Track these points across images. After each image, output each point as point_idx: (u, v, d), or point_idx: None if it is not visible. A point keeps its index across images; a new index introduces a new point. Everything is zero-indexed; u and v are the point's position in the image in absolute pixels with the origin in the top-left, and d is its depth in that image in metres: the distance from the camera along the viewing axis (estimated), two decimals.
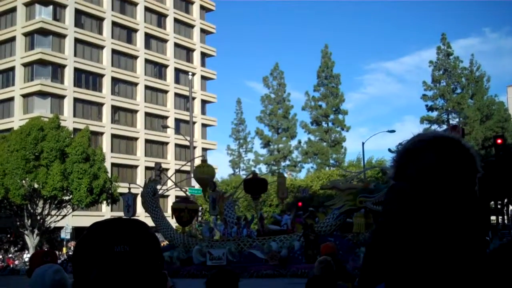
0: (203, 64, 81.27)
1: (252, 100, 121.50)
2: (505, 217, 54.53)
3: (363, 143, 51.80)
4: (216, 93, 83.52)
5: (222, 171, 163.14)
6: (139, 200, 37.51)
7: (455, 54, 61.61)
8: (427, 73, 62.10)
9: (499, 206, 52.45)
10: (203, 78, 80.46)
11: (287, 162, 68.30)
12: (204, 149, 77.63)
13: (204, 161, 38.72)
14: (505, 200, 51.91)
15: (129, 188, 38.54)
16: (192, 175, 38.39)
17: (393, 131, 50.40)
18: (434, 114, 60.96)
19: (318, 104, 68.15)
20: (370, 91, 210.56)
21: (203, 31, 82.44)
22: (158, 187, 34.75)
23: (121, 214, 62.15)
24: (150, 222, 33.97)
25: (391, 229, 1.35)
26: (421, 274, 1.27)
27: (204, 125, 78.34)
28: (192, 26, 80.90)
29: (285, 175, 64.91)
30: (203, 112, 78.89)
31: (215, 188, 34.96)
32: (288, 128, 69.99)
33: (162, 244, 33.33)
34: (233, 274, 4.34)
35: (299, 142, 70.36)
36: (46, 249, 5.83)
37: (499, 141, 39.77)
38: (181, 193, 57.22)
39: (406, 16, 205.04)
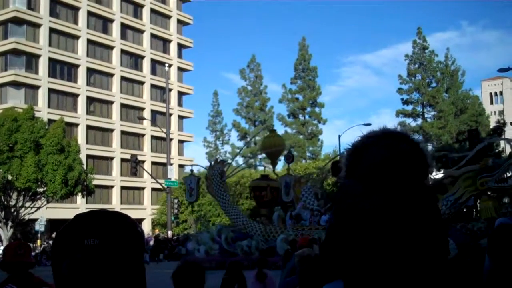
0: (179, 55, 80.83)
1: (230, 91, 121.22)
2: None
3: (339, 136, 52.12)
4: (193, 84, 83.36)
5: (199, 163, 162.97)
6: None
7: (431, 48, 62.23)
8: (404, 66, 62.50)
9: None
10: (180, 69, 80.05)
11: (264, 155, 68.42)
12: (181, 141, 77.42)
13: (272, 130, 36.30)
14: None
15: (192, 170, 36.94)
16: (261, 148, 34.67)
17: (369, 124, 50.56)
18: (410, 107, 61.51)
19: (295, 96, 68.33)
20: (347, 83, 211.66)
21: (180, 22, 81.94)
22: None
23: (96, 206, 61.85)
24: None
25: (342, 229, 1.31)
26: (377, 272, 1.25)
27: (180, 117, 77.99)
28: (168, 17, 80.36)
29: (261, 167, 65.08)
30: (180, 103, 78.53)
31: (293, 160, 32.42)
32: (265, 121, 70.07)
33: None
34: (199, 266, 4.35)
35: None
36: (20, 241, 5.70)
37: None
38: (158, 185, 57.02)
39: (385, 8, 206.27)
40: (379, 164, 1.31)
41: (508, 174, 22.59)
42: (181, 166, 75.13)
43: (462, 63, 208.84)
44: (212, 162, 33.34)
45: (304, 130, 67.29)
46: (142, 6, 76.57)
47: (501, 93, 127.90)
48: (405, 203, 1.27)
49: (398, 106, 62.64)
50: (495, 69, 43.43)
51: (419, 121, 60.79)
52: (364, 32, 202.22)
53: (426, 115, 61.07)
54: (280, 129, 69.88)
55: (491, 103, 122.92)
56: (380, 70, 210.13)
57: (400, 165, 1.30)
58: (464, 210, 25.31)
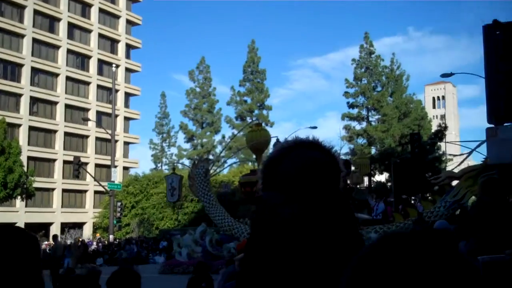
0: (127, 56, 79.88)
1: (178, 93, 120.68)
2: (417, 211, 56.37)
3: (285, 139, 52.18)
4: (140, 85, 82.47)
5: (144, 165, 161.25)
6: None
7: (378, 52, 63.19)
8: (351, 70, 63.28)
9: (412, 202, 54.31)
10: (128, 70, 79.10)
11: (211, 157, 68.35)
12: (126, 143, 76.48)
13: (258, 124, 35.18)
14: (419, 195, 53.77)
15: (174, 169, 35.45)
16: (246, 141, 33.14)
17: (315, 127, 50.92)
18: (355, 111, 62.28)
19: (243, 99, 68.39)
20: (296, 86, 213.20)
21: (128, 22, 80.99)
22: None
23: (36, 210, 60.54)
24: None
25: (262, 240, 1.34)
26: (297, 279, 1.28)
27: (127, 119, 77.06)
28: (117, 17, 79.32)
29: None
30: (126, 105, 77.60)
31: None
32: (213, 123, 69.92)
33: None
34: (134, 273, 4.26)
35: (223, 137, 70.52)
36: None
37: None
38: (101, 188, 56.15)
39: (335, 13, 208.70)
40: (293, 174, 1.37)
41: None
42: (125, 169, 74.23)
43: (408, 67, 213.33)
44: (196, 160, 32.40)
45: None
46: (90, 5, 75.36)
47: (443, 97, 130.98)
48: (320, 209, 1.32)
49: (344, 110, 63.35)
50: (439, 74, 44.42)
51: (364, 124, 61.61)
52: (314, 36, 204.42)
53: (370, 119, 61.92)
54: (228, 132, 69.84)
55: (434, 107, 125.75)
56: (329, 73, 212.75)
57: (313, 173, 1.37)
58: (458, 211, 25.40)
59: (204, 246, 27.89)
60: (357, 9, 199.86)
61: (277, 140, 34.14)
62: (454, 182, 23.05)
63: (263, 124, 68.61)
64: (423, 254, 0.77)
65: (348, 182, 33.81)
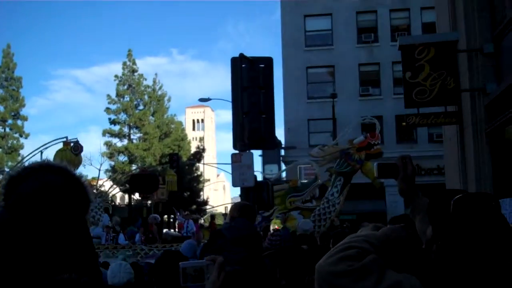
0: None
1: None
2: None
3: (41, 152, 49.49)
4: None
5: None
6: None
7: (141, 71, 63.78)
8: (114, 86, 62.68)
9: (171, 220, 55.45)
10: None
11: None
12: None
13: (67, 143, 30.01)
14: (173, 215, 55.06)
15: None
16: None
17: (75, 140, 49.17)
18: (117, 127, 61.74)
19: None
20: (56, 97, 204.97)
21: None
22: None
23: None
24: None
25: None
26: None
27: None
28: None
29: None
30: None
31: (82, 150, 27.23)
32: None
33: None
34: None
35: None
36: None
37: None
38: None
39: (100, 27, 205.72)
40: (28, 195, 1.36)
41: (313, 195, 24.12)
42: None
43: (170, 89, 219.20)
44: None
45: (4, 144, 62.64)
46: None
47: (202, 120, 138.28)
48: (50, 230, 1.31)
49: (107, 125, 62.35)
50: (199, 97, 46.34)
51: (125, 141, 61.39)
52: (77, 48, 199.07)
53: (132, 137, 61.86)
54: None
55: (194, 129, 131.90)
56: (92, 87, 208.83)
57: (50, 197, 1.35)
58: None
59: None
60: (122, 25, 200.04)
61: (77, 142, 32.22)
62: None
63: (16, 135, 64.46)
64: None
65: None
